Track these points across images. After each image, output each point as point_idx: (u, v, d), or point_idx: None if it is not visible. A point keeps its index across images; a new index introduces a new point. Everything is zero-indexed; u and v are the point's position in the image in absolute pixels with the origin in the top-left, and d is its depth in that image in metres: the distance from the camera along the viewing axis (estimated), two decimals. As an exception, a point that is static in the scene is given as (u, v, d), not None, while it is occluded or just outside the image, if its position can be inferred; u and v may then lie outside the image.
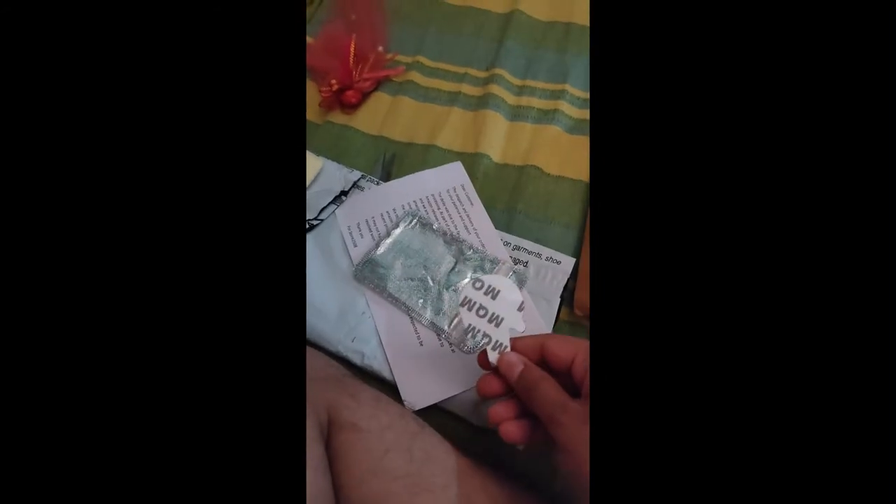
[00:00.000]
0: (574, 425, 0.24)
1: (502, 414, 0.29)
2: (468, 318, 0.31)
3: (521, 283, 0.40)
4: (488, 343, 0.31)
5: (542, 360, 0.29)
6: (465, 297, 0.32)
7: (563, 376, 0.27)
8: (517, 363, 0.29)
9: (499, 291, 0.31)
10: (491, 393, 0.30)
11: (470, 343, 0.38)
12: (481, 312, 0.31)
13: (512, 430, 0.28)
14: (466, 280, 0.40)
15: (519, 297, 0.31)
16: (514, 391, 0.29)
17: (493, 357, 0.30)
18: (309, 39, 0.56)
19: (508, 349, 0.30)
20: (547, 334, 0.31)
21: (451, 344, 0.38)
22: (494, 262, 0.41)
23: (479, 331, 0.31)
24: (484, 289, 0.31)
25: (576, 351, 0.27)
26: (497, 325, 0.31)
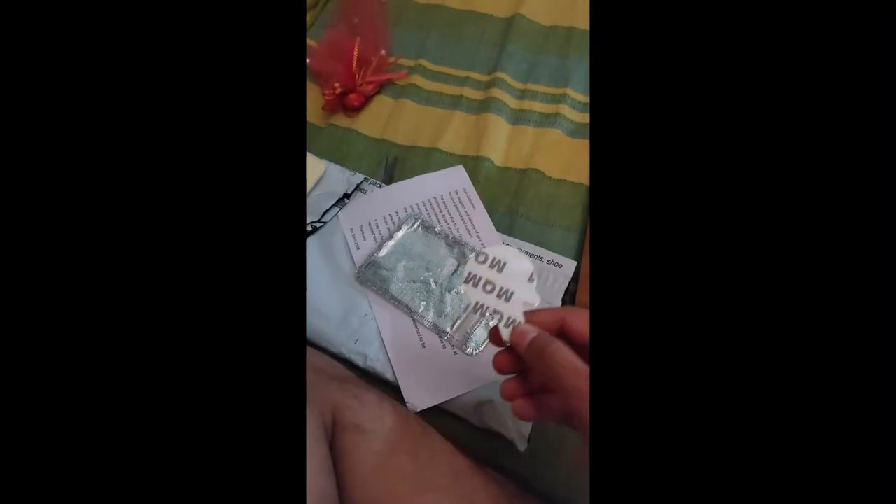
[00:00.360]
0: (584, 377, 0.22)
1: (514, 390, 0.27)
2: (474, 294, 0.28)
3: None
4: (500, 320, 0.28)
5: (561, 336, 0.26)
6: (470, 273, 0.28)
7: (584, 352, 0.25)
8: (529, 332, 0.26)
9: (505, 263, 0.28)
10: (505, 368, 0.28)
11: (472, 345, 0.38)
12: (488, 288, 0.28)
13: (524, 406, 0.27)
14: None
15: (529, 266, 0.28)
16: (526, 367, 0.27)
17: (505, 334, 0.27)
18: (312, 43, 0.57)
19: (519, 324, 0.27)
20: (566, 308, 0.28)
21: (453, 346, 0.38)
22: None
23: (487, 307, 0.28)
24: (489, 262, 0.28)
25: None
26: (507, 300, 0.28)
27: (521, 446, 0.34)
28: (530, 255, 0.42)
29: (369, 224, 0.44)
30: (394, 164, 0.49)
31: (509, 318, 0.27)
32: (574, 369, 0.24)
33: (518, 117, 0.51)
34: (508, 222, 0.44)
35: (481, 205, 0.44)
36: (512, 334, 0.27)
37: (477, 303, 0.28)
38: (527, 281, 0.28)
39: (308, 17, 0.60)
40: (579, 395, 0.23)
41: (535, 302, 0.28)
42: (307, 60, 0.54)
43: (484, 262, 0.29)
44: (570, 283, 0.40)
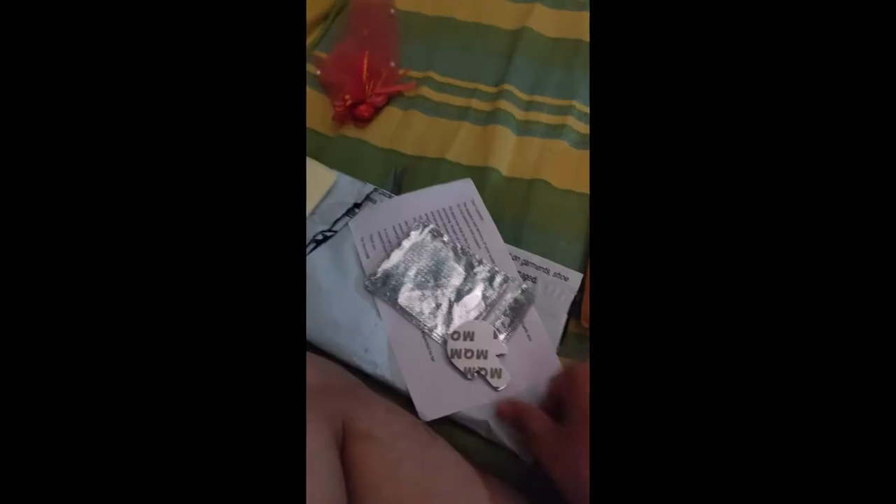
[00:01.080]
0: (551, 443, 0.31)
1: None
2: (461, 363, 0.38)
3: (529, 300, 0.41)
4: (486, 373, 0.37)
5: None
6: (452, 350, 0.38)
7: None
8: (505, 411, 0.36)
9: (473, 332, 0.39)
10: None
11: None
12: (468, 354, 0.38)
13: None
14: (476, 292, 0.41)
15: (490, 327, 0.39)
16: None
17: (495, 384, 0.37)
18: (323, 55, 0.58)
19: (502, 371, 0.38)
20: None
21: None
22: (504, 277, 0.42)
23: (474, 369, 0.38)
24: (462, 336, 0.39)
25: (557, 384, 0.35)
26: (485, 358, 0.38)
27: (527, 458, 0.35)
28: (537, 268, 0.42)
29: (379, 234, 0.45)
30: (402, 175, 0.50)
31: (491, 369, 0.38)
32: (544, 437, 0.32)
33: (524, 128, 0.51)
34: (515, 232, 0.45)
35: (489, 217, 0.45)
36: (497, 409, 0.36)
37: (465, 368, 0.38)
38: (493, 338, 0.39)
39: (318, 30, 0.61)
40: (551, 456, 0.31)
41: (504, 351, 0.38)
42: (318, 72, 0.55)
43: (458, 338, 0.39)
44: (575, 296, 0.41)
